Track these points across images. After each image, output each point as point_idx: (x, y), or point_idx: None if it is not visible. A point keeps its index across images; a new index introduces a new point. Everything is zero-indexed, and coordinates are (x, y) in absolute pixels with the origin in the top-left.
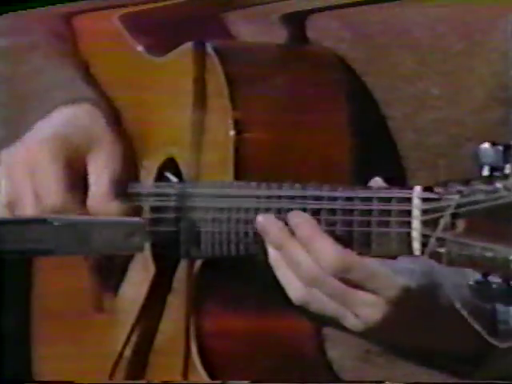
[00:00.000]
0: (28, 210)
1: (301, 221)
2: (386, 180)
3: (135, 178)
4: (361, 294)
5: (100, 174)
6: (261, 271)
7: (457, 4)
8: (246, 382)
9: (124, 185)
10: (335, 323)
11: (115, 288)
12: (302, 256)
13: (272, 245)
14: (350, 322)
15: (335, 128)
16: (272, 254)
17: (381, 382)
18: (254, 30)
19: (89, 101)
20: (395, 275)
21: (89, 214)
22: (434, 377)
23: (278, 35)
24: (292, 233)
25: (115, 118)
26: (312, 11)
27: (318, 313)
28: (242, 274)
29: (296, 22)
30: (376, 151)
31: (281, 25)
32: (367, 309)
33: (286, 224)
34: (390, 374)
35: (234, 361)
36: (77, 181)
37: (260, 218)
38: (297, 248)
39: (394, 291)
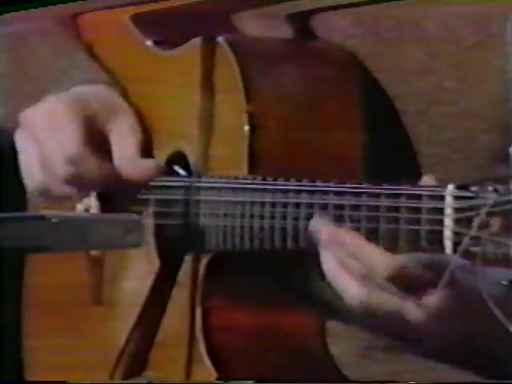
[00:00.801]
0: (56, 163)
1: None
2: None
3: None
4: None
5: (126, 137)
6: (267, 267)
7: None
8: (250, 382)
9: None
10: (394, 319)
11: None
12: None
13: (325, 250)
14: (411, 311)
15: (349, 124)
16: (326, 259)
17: (385, 381)
18: (261, 28)
19: (105, 82)
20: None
21: (109, 170)
22: (435, 372)
23: (285, 34)
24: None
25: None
26: (321, 10)
27: (377, 310)
28: (247, 270)
29: (302, 20)
30: (389, 147)
31: (288, 23)
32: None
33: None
34: (390, 369)
35: (239, 355)
36: (95, 137)
37: (315, 223)
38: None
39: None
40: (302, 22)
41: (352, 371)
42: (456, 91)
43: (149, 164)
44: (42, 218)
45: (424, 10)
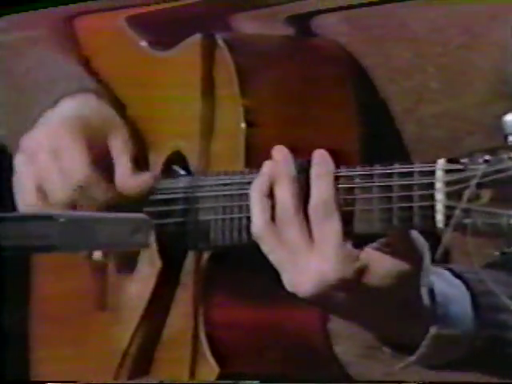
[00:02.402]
0: (57, 188)
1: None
2: None
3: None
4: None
5: (121, 153)
6: (268, 263)
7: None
8: (257, 382)
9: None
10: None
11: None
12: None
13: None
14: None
15: (344, 119)
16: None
17: (387, 381)
18: (258, 30)
19: (94, 91)
20: None
21: (114, 190)
22: (436, 373)
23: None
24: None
25: (120, 111)
26: (314, 13)
27: (265, 253)
28: (249, 266)
29: (297, 21)
30: (384, 141)
31: (284, 25)
32: None
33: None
34: (393, 369)
35: (243, 351)
36: (99, 158)
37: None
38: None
39: None
40: (297, 23)
41: (354, 371)
42: (441, 92)
43: (145, 177)
44: (50, 217)
45: (411, 9)
